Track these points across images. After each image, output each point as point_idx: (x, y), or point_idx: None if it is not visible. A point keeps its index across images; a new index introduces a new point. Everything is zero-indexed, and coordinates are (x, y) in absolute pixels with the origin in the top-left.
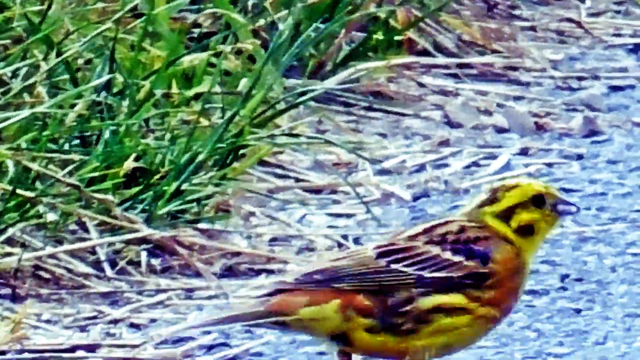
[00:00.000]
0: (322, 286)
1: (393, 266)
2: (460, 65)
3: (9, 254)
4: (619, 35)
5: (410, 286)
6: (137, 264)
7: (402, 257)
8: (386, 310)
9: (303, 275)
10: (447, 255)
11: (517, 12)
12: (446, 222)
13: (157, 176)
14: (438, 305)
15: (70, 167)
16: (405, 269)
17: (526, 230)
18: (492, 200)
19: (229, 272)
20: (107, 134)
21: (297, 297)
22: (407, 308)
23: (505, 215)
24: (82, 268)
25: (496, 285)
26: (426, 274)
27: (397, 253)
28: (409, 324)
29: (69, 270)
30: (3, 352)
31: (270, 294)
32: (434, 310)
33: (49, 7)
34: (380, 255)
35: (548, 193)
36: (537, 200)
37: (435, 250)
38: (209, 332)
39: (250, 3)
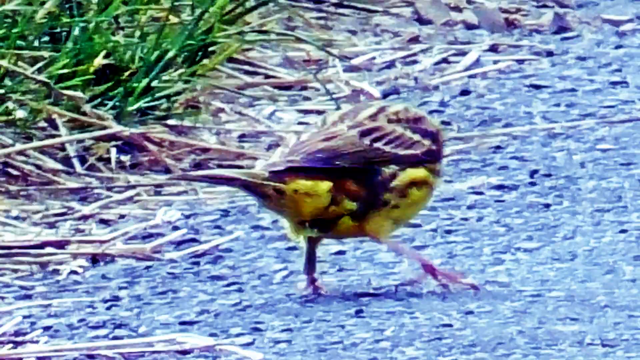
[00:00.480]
0: (324, 165)
1: (375, 145)
2: None
3: None
4: None
5: (391, 163)
6: (106, 161)
7: (379, 136)
8: (374, 188)
9: (302, 154)
10: (409, 134)
11: None
12: (385, 105)
13: (127, 73)
14: (412, 179)
15: (40, 64)
16: (385, 148)
17: None
18: None
19: (198, 168)
20: (76, 31)
21: (294, 175)
22: (394, 184)
23: None
24: (52, 164)
25: (440, 159)
26: (400, 151)
27: (373, 132)
28: (395, 200)
29: (38, 167)
30: None
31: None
32: (410, 185)
33: None
34: (362, 135)
35: None
36: None
37: (399, 129)
38: (178, 228)
39: None
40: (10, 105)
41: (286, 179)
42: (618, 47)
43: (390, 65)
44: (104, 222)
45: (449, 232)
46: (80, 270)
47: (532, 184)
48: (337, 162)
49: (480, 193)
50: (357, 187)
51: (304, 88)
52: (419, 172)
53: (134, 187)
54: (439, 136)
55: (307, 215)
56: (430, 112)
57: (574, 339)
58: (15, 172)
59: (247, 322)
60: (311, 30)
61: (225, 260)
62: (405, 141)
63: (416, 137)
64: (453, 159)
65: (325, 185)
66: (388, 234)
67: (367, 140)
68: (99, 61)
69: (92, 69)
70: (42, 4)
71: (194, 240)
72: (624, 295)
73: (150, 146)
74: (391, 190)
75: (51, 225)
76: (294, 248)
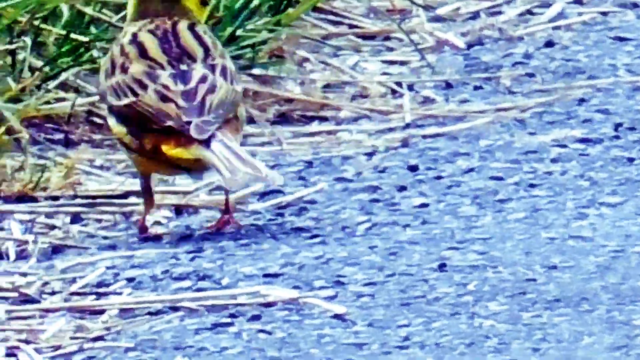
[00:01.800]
0: (224, 119)
1: (235, 87)
2: None
3: (62, 99)
4: None
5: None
6: None
7: (231, 77)
8: (237, 127)
9: (214, 111)
10: (233, 66)
11: None
12: (192, 29)
13: (212, 22)
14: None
15: (125, 12)
16: (238, 88)
17: (206, 1)
18: None
19: (282, 118)
20: None
21: (224, 129)
22: (242, 127)
23: None
24: None
25: None
26: (240, 87)
27: (226, 72)
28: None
29: None
30: (56, 198)
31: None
32: None
33: None
34: (225, 79)
35: None
36: None
37: (228, 63)
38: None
39: None
40: (95, 52)
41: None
42: None
43: (475, 15)
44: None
45: (532, 185)
46: (164, 220)
47: (616, 137)
48: (229, 116)
49: (564, 146)
50: (233, 125)
51: (388, 38)
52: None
53: None
54: None
55: None
56: (514, 63)
57: None
58: (99, 121)
59: (330, 275)
60: None
61: (309, 212)
62: (233, 75)
63: (234, 68)
64: (536, 111)
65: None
66: None
67: (229, 84)
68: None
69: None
70: None
71: (277, 191)
72: None
73: None
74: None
75: (134, 175)
76: (377, 200)
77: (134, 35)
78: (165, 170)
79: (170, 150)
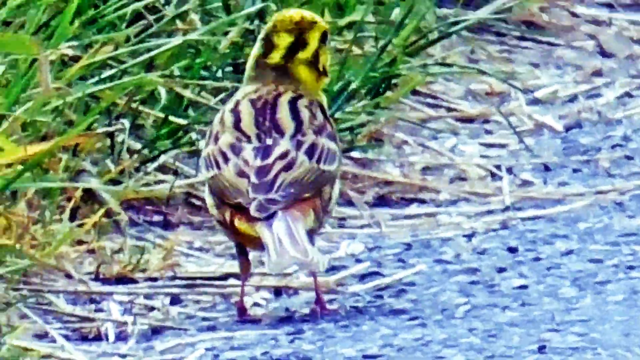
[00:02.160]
0: (297, 198)
1: (321, 167)
2: None
3: (161, 182)
4: None
5: (330, 181)
6: None
7: (319, 156)
8: (321, 209)
9: (284, 190)
10: (328, 143)
11: None
12: (294, 103)
13: None
14: (337, 195)
15: (222, 95)
16: (326, 167)
17: (325, 72)
18: (302, 43)
19: (381, 201)
20: None
21: (293, 209)
22: (330, 207)
23: (315, 59)
24: None
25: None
26: (334, 167)
27: (314, 151)
28: (326, 221)
29: None
30: (155, 279)
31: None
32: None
33: None
34: (309, 157)
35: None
36: (325, 37)
37: (323, 141)
38: (361, 261)
39: None
40: (193, 135)
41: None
42: None
43: (573, 98)
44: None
45: (631, 267)
46: (263, 302)
47: None
48: (306, 195)
49: None
50: (319, 204)
51: (486, 121)
52: (339, 185)
53: None
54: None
55: None
56: (613, 146)
57: None
58: (198, 203)
59: (429, 356)
60: (494, 63)
61: (408, 293)
62: (333, 154)
63: (332, 146)
64: (635, 194)
65: (312, 212)
66: None
67: (314, 162)
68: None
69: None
70: (226, 34)
71: (377, 273)
72: None
73: None
74: (329, 213)
75: (234, 257)
76: (476, 282)
77: (236, 104)
78: (247, 243)
79: (240, 225)
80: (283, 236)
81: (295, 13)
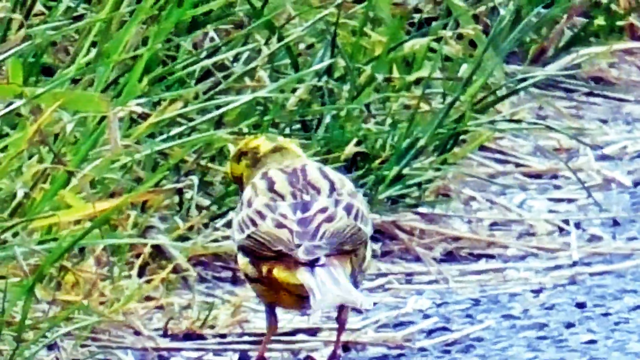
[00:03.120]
0: (338, 249)
1: (359, 224)
2: None
3: (229, 237)
4: None
5: (364, 241)
6: None
7: (356, 214)
8: (358, 266)
9: (327, 239)
10: (364, 208)
11: None
12: (322, 167)
13: (378, 161)
14: (370, 256)
15: None
16: (363, 227)
17: None
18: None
19: (449, 257)
20: (328, 119)
21: (333, 259)
22: (365, 264)
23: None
24: None
25: None
26: (368, 228)
27: (351, 209)
28: (361, 280)
29: None
30: (223, 335)
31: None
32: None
33: None
34: (347, 214)
35: None
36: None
37: (355, 202)
38: (428, 316)
39: None
40: None
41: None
42: None
43: None
44: (355, 309)
45: None
46: None
47: None
48: (346, 248)
49: None
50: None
51: (555, 176)
52: (371, 246)
53: (385, 275)
54: None
55: None
56: None
57: None
58: None
59: None
60: (562, 119)
61: (476, 349)
62: (365, 216)
63: (365, 210)
64: None
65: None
66: None
67: (352, 219)
68: (350, 149)
69: (343, 157)
70: (294, 91)
71: (444, 328)
72: None
73: (401, 234)
74: (363, 272)
75: (303, 313)
76: (544, 337)
77: (264, 173)
78: (282, 299)
79: (279, 273)
80: (326, 279)
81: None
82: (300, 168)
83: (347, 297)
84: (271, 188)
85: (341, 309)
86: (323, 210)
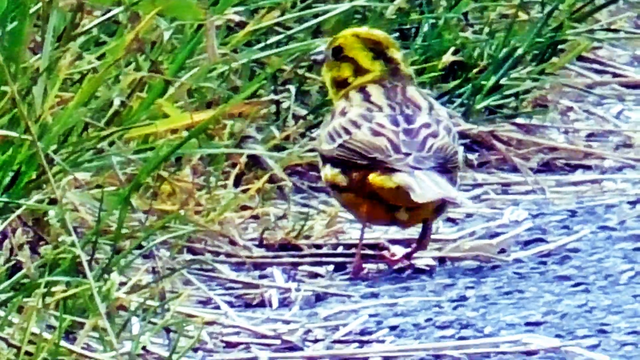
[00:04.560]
0: (444, 163)
1: (456, 147)
2: None
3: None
4: None
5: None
6: None
7: (454, 137)
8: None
9: (435, 153)
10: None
11: None
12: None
13: (476, 70)
14: None
15: None
16: (459, 150)
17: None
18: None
19: (546, 167)
20: (426, 27)
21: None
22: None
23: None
24: None
25: None
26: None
27: (450, 130)
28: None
29: None
30: (319, 246)
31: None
32: None
33: None
34: (447, 133)
35: None
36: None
37: (453, 127)
38: (525, 227)
39: None
40: None
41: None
42: None
43: None
44: (451, 220)
45: None
46: (427, 269)
47: None
48: (448, 165)
49: None
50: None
51: None
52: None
53: (481, 185)
54: None
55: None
56: None
57: None
58: None
59: (593, 323)
60: None
61: (572, 260)
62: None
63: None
64: None
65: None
66: None
67: (452, 140)
68: (448, 58)
69: (440, 66)
70: (392, 0)
71: (540, 240)
72: None
73: (498, 145)
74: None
75: (397, 224)
76: (639, 249)
77: (362, 87)
78: (372, 210)
79: (375, 179)
80: (425, 178)
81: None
82: (400, 87)
83: (447, 193)
84: (367, 99)
85: (425, 231)
86: (427, 125)
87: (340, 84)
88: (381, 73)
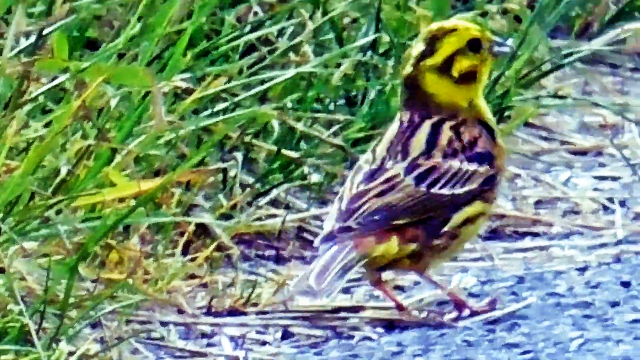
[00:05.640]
0: (381, 226)
1: (432, 191)
2: None
3: (273, 216)
4: None
5: (446, 207)
6: None
7: (435, 179)
8: (428, 234)
9: (363, 218)
10: (466, 166)
11: None
12: (439, 125)
13: None
14: (466, 218)
15: (335, 127)
16: (442, 192)
17: (468, 77)
18: (431, 51)
19: (494, 234)
20: (372, 94)
21: (367, 238)
22: (445, 229)
23: (446, 65)
24: None
25: (498, 180)
26: (457, 190)
27: (429, 175)
28: (445, 243)
29: None
30: (266, 313)
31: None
32: (463, 224)
33: None
34: (418, 181)
35: (483, 36)
36: (474, 45)
37: (455, 163)
38: (473, 294)
39: None
40: (305, 169)
41: (367, 241)
42: None
43: None
44: (399, 288)
45: None
46: (374, 336)
47: None
48: (396, 222)
49: None
50: (416, 232)
51: (600, 153)
52: (474, 208)
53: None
54: (497, 151)
55: (375, 266)
56: None
57: None
58: (310, 237)
59: None
60: (608, 95)
61: (521, 327)
62: (462, 177)
63: (472, 167)
64: None
65: (394, 241)
66: (432, 268)
67: (423, 187)
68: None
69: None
70: (338, 66)
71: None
72: None
73: None
74: (442, 235)
75: (346, 291)
76: (590, 316)
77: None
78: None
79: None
80: (322, 262)
81: (441, 23)
82: (417, 124)
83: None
84: (374, 147)
85: (427, 281)
86: (386, 181)
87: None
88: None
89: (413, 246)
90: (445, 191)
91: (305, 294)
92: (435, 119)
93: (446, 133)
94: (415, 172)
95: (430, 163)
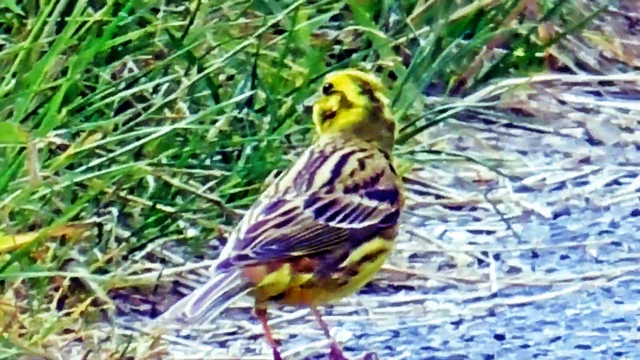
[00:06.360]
0: (278, 256)
1: (331, 224)
2: (602, 83)
3: (148, 270)
4: None
5: (345, 241)
6: None
7: (335, 213)
8: (325, 266)
9: (260, 247)
10: (366, 202)
11: None
12: (343, 159)
13: None
14: (365, 254)
15: (211, 183)
16: (341, 225)
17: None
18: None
19: (369, 288)
20: (248, 150)
21: (258, 267)
22: (344, 264)
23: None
24: None
25: (398, 218)
26: (356, 225)
27: (329, 208)
28: (344, 278)
29: None
30: None
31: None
32: (362, 260)
33: (191, 22)
34: (317, 214)
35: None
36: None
37: (355, 199)
38: (348, 349)
39: (391, 20)
40: (181, 223)
41: (257, 270)
42: None
43: (561, 185)
44: (275, 342)
45: (619, 354)
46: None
47: None
48: (293, 254)
49: None
50: (311, 263)
51: (474, 208)
52: (373, 245)
53: (305, 306)
54: (398, 189)
55: (266, 295)
56: (601, 232)
57: None
58: (186, 292)
59: None
60: (482, 151)
61: None
62: (362, 212)
63: (373, 204)
64: (623, 280)
65: (285, 270)
66: (324, 303)
67: (322, 220)
68: (271, 180)
69: (263, 188)
70: (214, 122)
71: None
72: None
73: None
74: (341, 270)
75: (222, 344)
76: None
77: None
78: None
79: None
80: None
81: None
82: (327, 155)
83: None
84: (277, 182)
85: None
86: (286, 213)
87: (328, 117)
88: (364, 112)
89: (308, 276)
90: (344, 225)
91: (178, 322)
92: (346, 150)
93: (351, 164)
94: (315, 205)
95: (331, 197)
